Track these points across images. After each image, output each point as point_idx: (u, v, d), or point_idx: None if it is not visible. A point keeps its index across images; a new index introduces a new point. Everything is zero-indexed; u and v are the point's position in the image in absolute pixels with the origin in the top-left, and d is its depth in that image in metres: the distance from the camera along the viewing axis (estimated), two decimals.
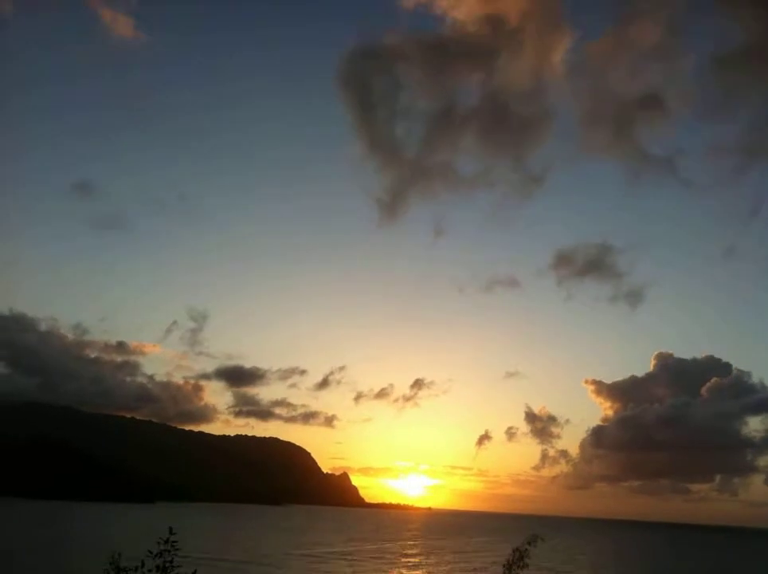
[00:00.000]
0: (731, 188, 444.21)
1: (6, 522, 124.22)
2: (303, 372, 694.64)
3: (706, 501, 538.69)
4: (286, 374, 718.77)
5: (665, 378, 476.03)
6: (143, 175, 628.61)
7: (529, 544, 10.86)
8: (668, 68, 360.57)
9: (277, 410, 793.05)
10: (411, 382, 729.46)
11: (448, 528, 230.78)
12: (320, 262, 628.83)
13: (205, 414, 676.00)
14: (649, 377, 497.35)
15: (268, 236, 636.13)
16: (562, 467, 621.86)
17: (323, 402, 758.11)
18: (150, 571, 11.27)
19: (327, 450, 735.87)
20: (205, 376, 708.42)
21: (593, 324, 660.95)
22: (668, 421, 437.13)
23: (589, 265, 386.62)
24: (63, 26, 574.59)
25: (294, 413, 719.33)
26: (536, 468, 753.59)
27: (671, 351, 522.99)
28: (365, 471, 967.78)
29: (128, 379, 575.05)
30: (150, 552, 11.26)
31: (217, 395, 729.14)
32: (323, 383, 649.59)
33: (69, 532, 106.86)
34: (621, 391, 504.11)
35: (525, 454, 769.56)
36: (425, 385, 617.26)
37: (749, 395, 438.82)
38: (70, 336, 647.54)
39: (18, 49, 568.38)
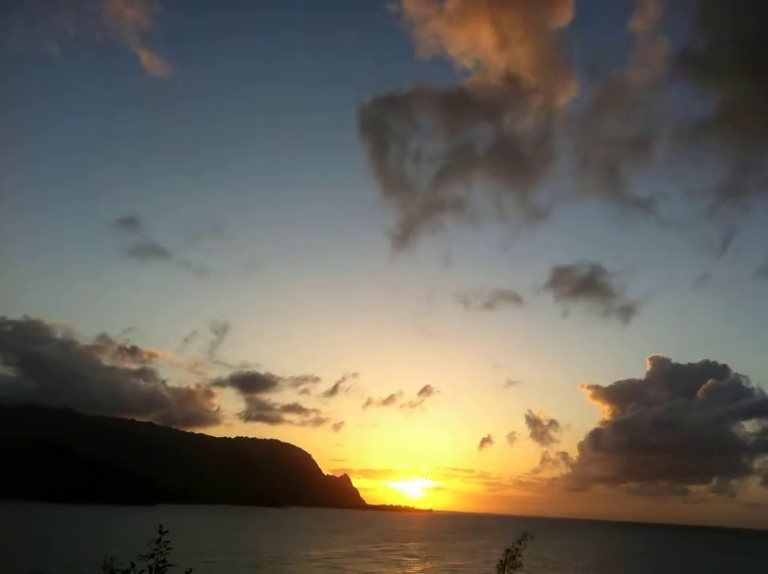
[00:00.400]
0: (706, 224, 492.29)
1: (7, 524, 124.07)
2: (316, 379, 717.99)
3: (704, 502, 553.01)
4: (299, 381, 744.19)
5: (661, 381, 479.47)
6: (179, 208, 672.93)
7: (520, 543, 10.85)
8: (653, 122, 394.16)
9: (288, 416, 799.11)
10: (419, 389, 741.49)
11: (464, 530, 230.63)
12: (339, 284, 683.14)
13: (212, 418, 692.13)
14: (645, 381, 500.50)
15: (294, 262, 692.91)
16: (562, 469, 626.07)
17: (332, 408, 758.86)
18: (142, 572, 11.21)
19: (328, 452, 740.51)
20: (219, 383, 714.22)
21: (589, 336, 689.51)
22: (665, 424, 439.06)
23: (583, 283, 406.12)
24: (105, 65, 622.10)
25: (305, 418, 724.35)
26: (537, 470, 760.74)
27: (665, 356, 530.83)
28: (366, 473, 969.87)
29: (141, 383, 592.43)
30: (143, 556, 11.21)
31: (230, 402, 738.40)
32: (334, 390, 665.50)
33: (66, 534, 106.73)
34: (618, 395, 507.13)
35: (526, 456, 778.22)
36: (432, 392, 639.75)
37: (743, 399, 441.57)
38: (84, 342, 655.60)
39: (64, 86, 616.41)
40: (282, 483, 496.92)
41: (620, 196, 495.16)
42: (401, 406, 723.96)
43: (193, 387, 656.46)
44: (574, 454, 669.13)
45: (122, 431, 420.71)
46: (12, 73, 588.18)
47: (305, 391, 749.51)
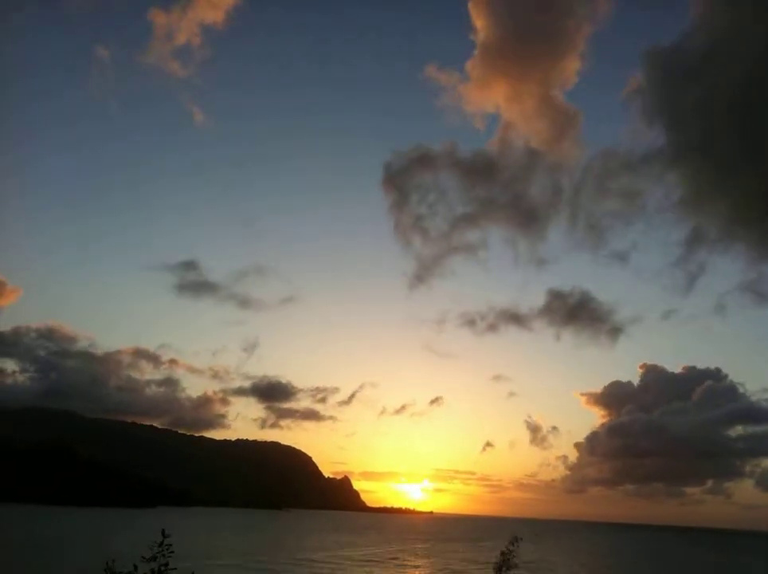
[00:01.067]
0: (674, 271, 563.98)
1: (6, 527, 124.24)
2: (335, 390, 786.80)
3: (699, 504, 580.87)
4: (317, 391, 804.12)
5: (654, 387, 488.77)
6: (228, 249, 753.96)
7: (513, 545, 11.05)
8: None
9: (304, 423, 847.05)
10: (429, 399, 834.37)
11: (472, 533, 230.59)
12: (361, 311, 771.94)
13: (223, 423, 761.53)
14: (638, 387, 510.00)
15: (323, 293, 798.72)
16: (561, 472, 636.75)
17: (347, 416, 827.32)
18: None
19: (329, 454, 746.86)
20: (240, 392, 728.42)
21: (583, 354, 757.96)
22: (657, 428, 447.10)
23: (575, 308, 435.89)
24: (157, 115, 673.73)
25: (319, 424, 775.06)
26: (536, 473, 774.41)
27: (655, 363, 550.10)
28: (366, 475, 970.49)
29: (159, 390, 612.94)
30: (144, 558, 11.35)
31: (248, 410, 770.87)
32: (350, 399, 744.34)
33: (70, 536, 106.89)
34: (611, 399, 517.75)
35: (526, 460, 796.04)
36: (441, 403, 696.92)
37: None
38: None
39: (120, 136, 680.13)
40: (282, 485, 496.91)
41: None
42: (412, 414, 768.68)
43: (210, 393, 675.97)
44: (572, 457, 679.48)
45: (124, 434, 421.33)
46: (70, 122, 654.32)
47: (322, 400, 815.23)
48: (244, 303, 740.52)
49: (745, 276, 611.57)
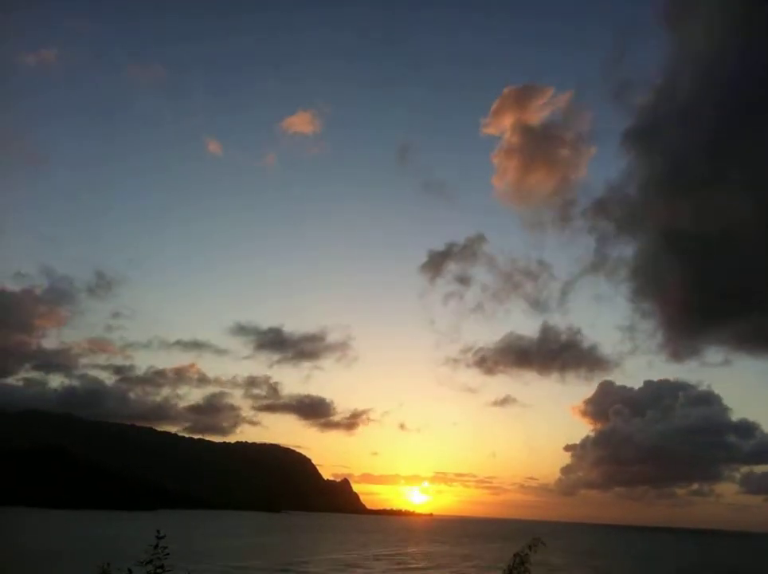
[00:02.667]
0: None
1: (6, 528, 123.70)
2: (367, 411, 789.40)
3: (688, 506, 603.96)
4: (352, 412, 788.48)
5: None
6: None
7: (530, 548, 10.57)
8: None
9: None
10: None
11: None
12: (389, 346, 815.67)
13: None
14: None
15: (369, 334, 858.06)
16: (558, 476, 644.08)
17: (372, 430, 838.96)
18: None
19: (330, 457, 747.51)
20: (277, 408, 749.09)
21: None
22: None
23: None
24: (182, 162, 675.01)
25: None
26: (535, 476, 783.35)
27: None
28: (366, 478, 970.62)
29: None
30: (140, 562, 11.03)
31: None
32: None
33: (68, 538, 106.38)
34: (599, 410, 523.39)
35: (526, 463, 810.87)
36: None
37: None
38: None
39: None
40: (282, 488, 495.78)
41: None
42: (420, 429, 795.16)
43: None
44: (567, 462, 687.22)
45: (124, 436, 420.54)
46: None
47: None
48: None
49: None
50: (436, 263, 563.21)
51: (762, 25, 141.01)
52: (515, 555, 10.62)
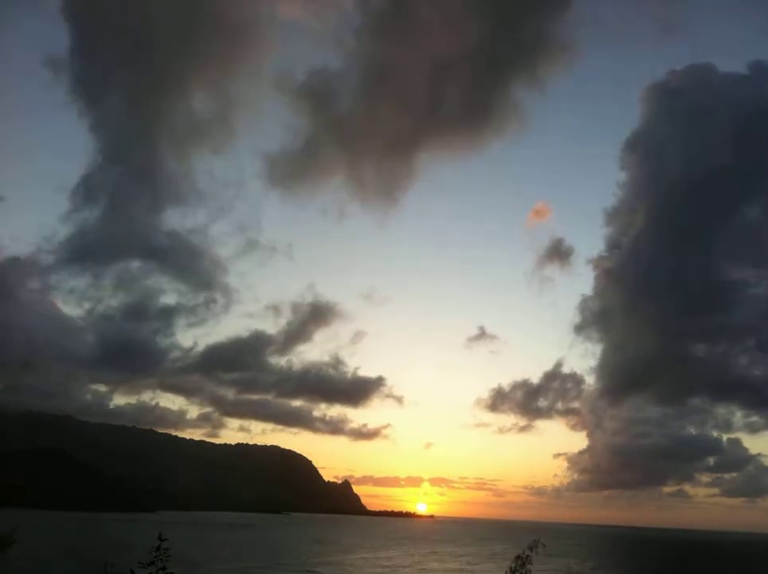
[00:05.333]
0: None
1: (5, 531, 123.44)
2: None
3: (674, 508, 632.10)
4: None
5: None
6: None
7: (531, 550, 10.59)
8: None
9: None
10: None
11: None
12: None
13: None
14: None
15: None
16: (556, 481, 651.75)
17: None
18: None
19: (331, 458, 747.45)
20: None
21: None
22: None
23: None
24: None
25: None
26: (534, 479, 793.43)
27: None
28: (367, 480, 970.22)
29: None
30: (142, 564, 11.03)
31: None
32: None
33: (68, 540, 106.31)
34: None
35: (525, 466, 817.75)
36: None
37: None
38: None
39: None
40: (282, 489, 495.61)
41: None
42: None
43: None
44: (567, 468, 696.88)
45: (124, 438, 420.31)
46: None
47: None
48: None
49: None
50: None
51: None
52: (516, 556, 10.64)
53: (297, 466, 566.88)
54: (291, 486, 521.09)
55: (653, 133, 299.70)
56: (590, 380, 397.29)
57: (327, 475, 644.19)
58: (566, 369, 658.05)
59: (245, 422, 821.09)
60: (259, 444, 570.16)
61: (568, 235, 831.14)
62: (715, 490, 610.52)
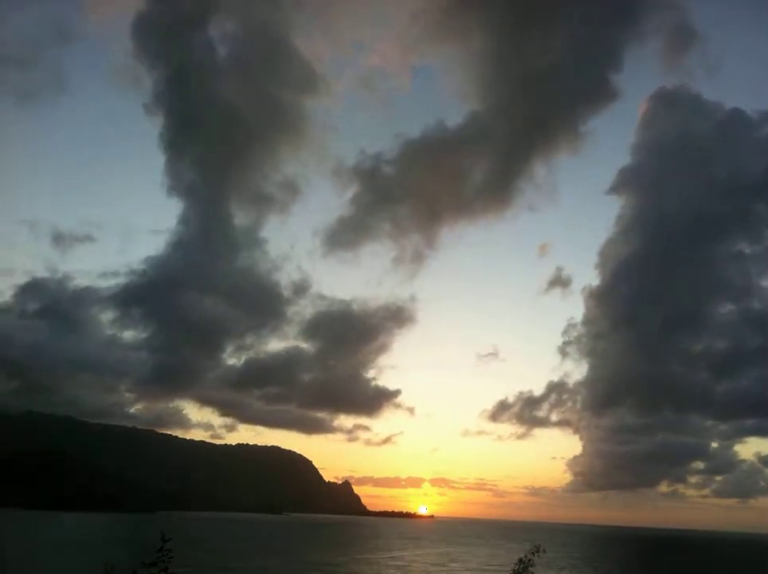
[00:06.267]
0: None
1: (6, 532, 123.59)
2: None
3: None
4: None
5: None
6: None
7: (533, 554, 10.60)
8: None
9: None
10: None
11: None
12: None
13: None
14: None
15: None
16: (555, 482, 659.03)
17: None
18: None
19: (331, 460, 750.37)
20: None
21: None
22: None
23: None
24: None
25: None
26: (534, 481, 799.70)
27: None
28: (368, 480, 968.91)
29: None
30: (144, 563, 11.06)
31: None
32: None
33: (68, 542, 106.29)
34: None
35: (525, 468, 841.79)
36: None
37: None
38: None
39: None
40: (283, 490, 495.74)
41: None
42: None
43: None
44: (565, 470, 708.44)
45: (123, 438, 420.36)
46: None
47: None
48: None
49: None
50: None
51: None
52: (519, 560, 10.65)
53: (298, 467, 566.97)
54: (292, 487, 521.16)
55: (643, 173, 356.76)
56: (583, 392, 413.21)
57: (328, 475, 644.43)
58: (564, 382, 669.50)
59: (258, 427, 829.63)
60: (260, 444, 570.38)
61: (568, 266, 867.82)
62: (698, 492, 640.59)
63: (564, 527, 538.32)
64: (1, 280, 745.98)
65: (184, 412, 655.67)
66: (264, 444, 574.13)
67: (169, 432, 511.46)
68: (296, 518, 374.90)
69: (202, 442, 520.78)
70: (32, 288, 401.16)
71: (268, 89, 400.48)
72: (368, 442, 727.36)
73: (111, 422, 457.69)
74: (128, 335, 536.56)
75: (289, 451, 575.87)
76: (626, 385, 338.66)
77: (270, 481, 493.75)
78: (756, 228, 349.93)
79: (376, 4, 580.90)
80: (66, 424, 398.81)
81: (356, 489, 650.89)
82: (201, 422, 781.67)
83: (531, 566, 10.45)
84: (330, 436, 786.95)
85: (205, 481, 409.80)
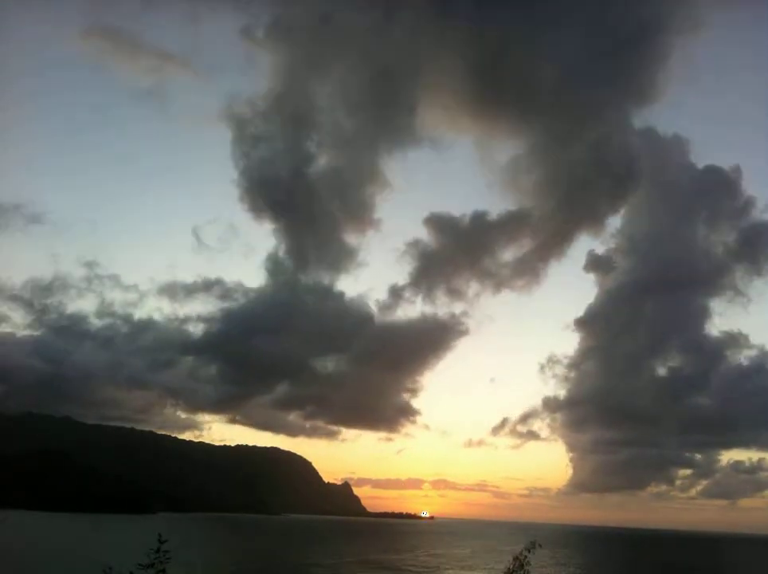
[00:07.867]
0: None
1: (6, 533, 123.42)
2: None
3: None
4: None
5: None
6: None
7: (528, 551, 10.62)
8: None
9: None
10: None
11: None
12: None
13: None
14: None
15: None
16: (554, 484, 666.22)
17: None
18: None
19: (332, 460, 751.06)
20: None
21: None
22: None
23: None
24: None
25: None
26: (534, 482, 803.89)
27: None
28: (367, 481, 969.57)
29: None
30: (141, 565, 11.09)
31: None
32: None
33: (68, 542, 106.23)
34: None
35: (524, 469, 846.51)
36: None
37: None
38: None
39: None
40: (282, 491, 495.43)
41: None
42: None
43: None
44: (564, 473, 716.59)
45: (123, 439, 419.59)
46: None
47: None
48: None
49: None
50: None
51: None
52: (514, 558, 10.67)
53: (297, 468, 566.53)
54: (291, 488, 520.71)
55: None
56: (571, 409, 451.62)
57: (327, 477, 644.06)
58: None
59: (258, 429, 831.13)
60: (259, 445, 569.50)
61: None
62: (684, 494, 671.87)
63: (564, 528, 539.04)
64: None
65: (184, 413, 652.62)
66: (263, 445, 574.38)
67: (168, 433, 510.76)
68: (295, 519, 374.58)
69: (201, 443, 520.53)
70: None
71: None
72: (368, 445, 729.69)
73: (109, 422, 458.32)
74: None
75: (288, 452, 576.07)
76: (605, 404, 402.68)
77: (269, 481, 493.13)
78: None
79: None
80: (64, 424, 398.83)
81: (356, 490, 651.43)
82: (201, 423, 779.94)
83: (527, 564, 10.48)
84: (331, 440, 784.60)
85: (204, 482, 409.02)
